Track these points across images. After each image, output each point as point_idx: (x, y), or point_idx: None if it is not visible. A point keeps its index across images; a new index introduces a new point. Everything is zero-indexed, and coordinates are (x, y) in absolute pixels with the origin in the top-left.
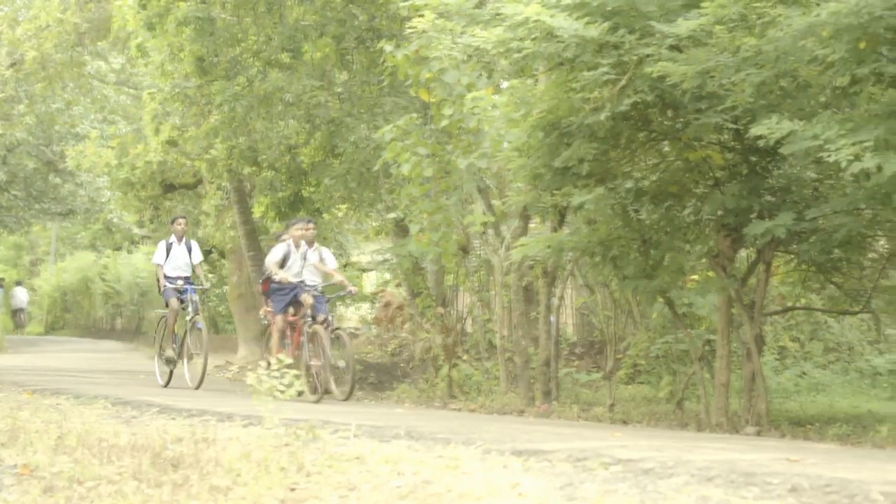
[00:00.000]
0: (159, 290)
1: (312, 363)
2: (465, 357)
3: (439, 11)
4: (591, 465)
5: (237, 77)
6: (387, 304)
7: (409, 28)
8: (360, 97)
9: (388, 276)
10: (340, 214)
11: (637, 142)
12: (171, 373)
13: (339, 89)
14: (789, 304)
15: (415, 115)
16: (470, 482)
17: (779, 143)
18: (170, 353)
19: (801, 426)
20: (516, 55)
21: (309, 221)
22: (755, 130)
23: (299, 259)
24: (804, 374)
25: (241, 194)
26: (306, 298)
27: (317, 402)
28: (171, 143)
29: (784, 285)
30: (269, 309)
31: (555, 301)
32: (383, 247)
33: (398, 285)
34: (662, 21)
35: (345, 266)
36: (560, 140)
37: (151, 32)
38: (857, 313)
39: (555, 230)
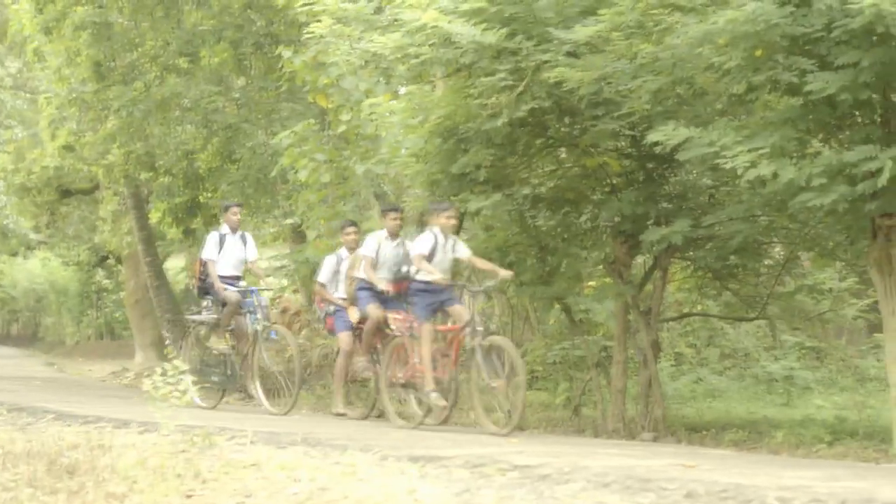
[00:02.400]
0: (201, 293)
1: (495, 385)
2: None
3: (337, 17)
4: (489, 471)
5: (134, 82)
6: (284, 310)
7: (307, 34)
8: (258, 103)
9: (285, 281)
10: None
11: (534, 148)
12: (224, 392)
13: (237, 95)
14: (686, 310)
15: (312, 120)
16: (367, 489)
17: (675, 149)
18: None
19: (698, 432)
20: (414, 61)
21: (454, 207)
22: (652, 137)
23: (449, 252)
24: (700, 380)
25: (137, 200)
26: (459, 310)
27: (507, 434)
28: (68, 148)
29: (681, 292)
30: (397, 316)
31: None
32: (281, 253)
33: (295, 291)
34: (560, 27)
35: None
36: (457, 146)
37: (48, 37)
38: (753, 319)
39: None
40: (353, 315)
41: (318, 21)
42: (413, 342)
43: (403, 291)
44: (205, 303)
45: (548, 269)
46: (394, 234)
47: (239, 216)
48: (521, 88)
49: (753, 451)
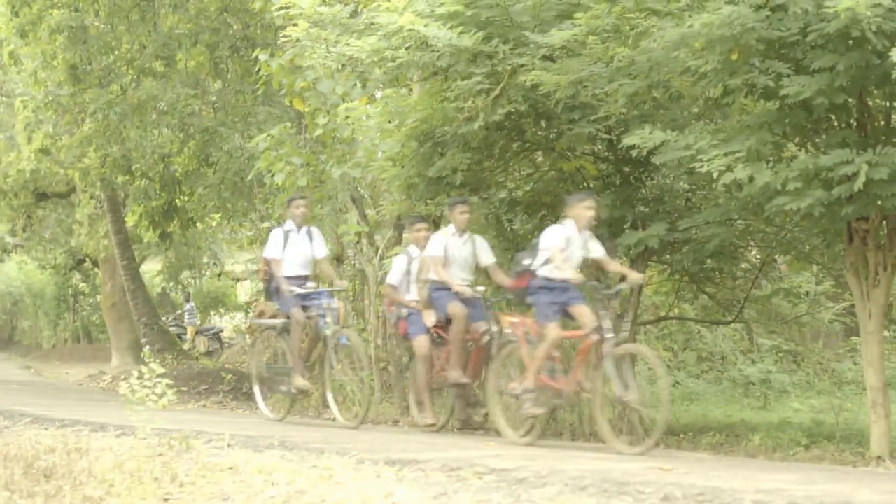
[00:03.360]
0: (268, 295)
1: (628, 398)
2: (339, 367)
3: (313, 20)
4: (465, 474)
5: (111, 85)
6: (261, 314)
7: (284, 37)
8: (234, 106)
9: (262, 285)
10: (214, 224)
11: (511, 152)
12: (292, 403)
13: (213, 98)
14: (663, 313)
15: (289, 124)
16: (343, 492)
17: (651, 153)
18: (300, 381)
19: (675, 435)
20: (390, 64)
21: (593, 197)
22: (628, 140)
23: (581, 249)
24: (678, 383)
25: (114, 203)
26: (584, 312)
27: (642, 453)
28: (44, 151)
29: (657, 295)
30: (513, 319)
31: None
32: (257, 256)
33: None
34: (536, 31)
35: (219, 275)
36: (434, 150)
37: (24, 40)
38: (729, 323)
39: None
40: (429, 318)
41: (295, 25)
42: (530, 348)
43: (523, 289)
44: (276, 305)
45: None
46: (462, 229)
47: (304, 209)
48: (497, 92)
49: (730, 455)
